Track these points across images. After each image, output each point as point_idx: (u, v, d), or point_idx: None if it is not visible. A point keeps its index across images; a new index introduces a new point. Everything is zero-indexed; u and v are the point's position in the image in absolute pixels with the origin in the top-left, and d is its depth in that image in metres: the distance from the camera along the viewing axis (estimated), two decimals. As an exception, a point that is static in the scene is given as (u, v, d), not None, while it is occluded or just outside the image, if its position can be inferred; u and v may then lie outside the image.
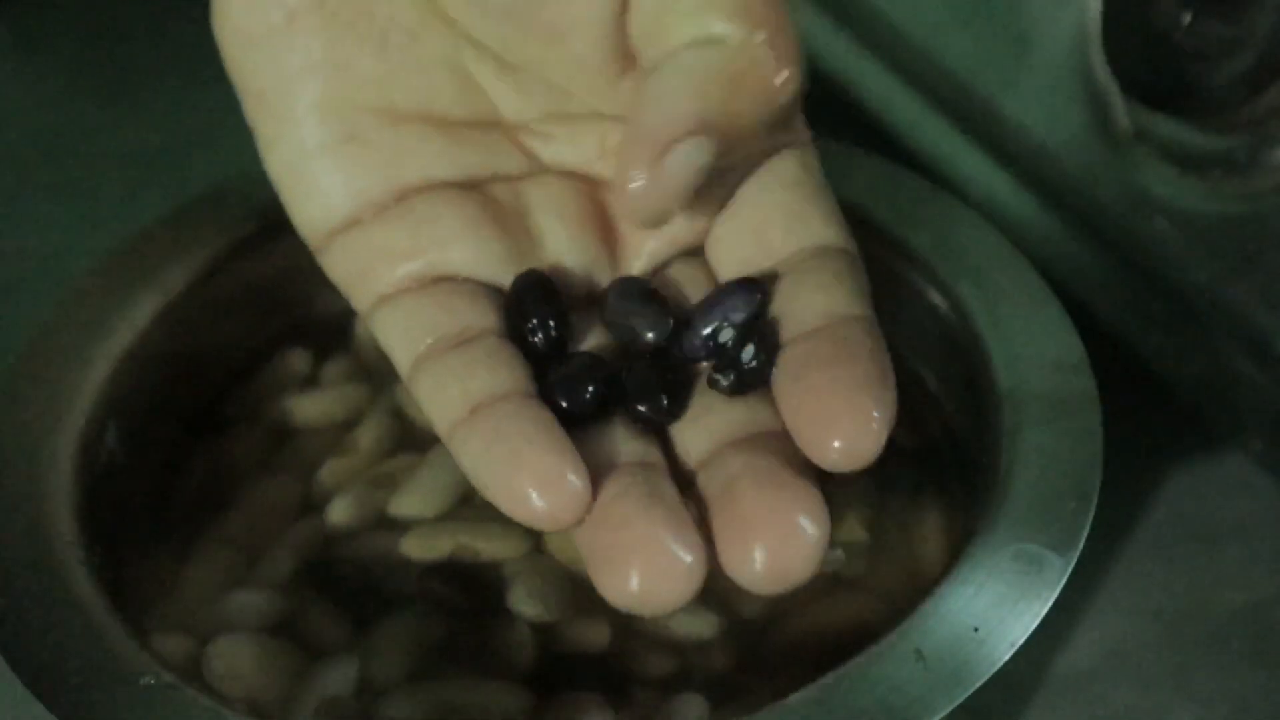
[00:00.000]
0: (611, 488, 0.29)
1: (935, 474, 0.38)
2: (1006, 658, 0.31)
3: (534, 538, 0.36)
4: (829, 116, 0.53)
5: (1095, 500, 0.33)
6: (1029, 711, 0.39)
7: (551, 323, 0.31)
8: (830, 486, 0.30)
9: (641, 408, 0.30)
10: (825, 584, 0.36)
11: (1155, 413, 0.45)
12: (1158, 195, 0.40)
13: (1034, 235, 0.44)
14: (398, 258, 0.32)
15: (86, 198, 0.55)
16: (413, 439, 0.39)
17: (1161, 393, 0.43)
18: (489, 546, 0.36)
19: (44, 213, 0.55)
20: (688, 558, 0.27)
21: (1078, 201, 0.42)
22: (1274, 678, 0.39)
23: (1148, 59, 0.39)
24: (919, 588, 0.34)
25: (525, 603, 0.35)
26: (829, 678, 0.30)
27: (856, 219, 0.40)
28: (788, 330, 0.30)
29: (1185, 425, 0.45)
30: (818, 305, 0.30)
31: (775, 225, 0.32)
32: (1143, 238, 0.41)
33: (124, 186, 0.55)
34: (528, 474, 0.28)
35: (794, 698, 0.30)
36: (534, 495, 0.28)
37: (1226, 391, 0.41)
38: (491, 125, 0.34)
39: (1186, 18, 0.38)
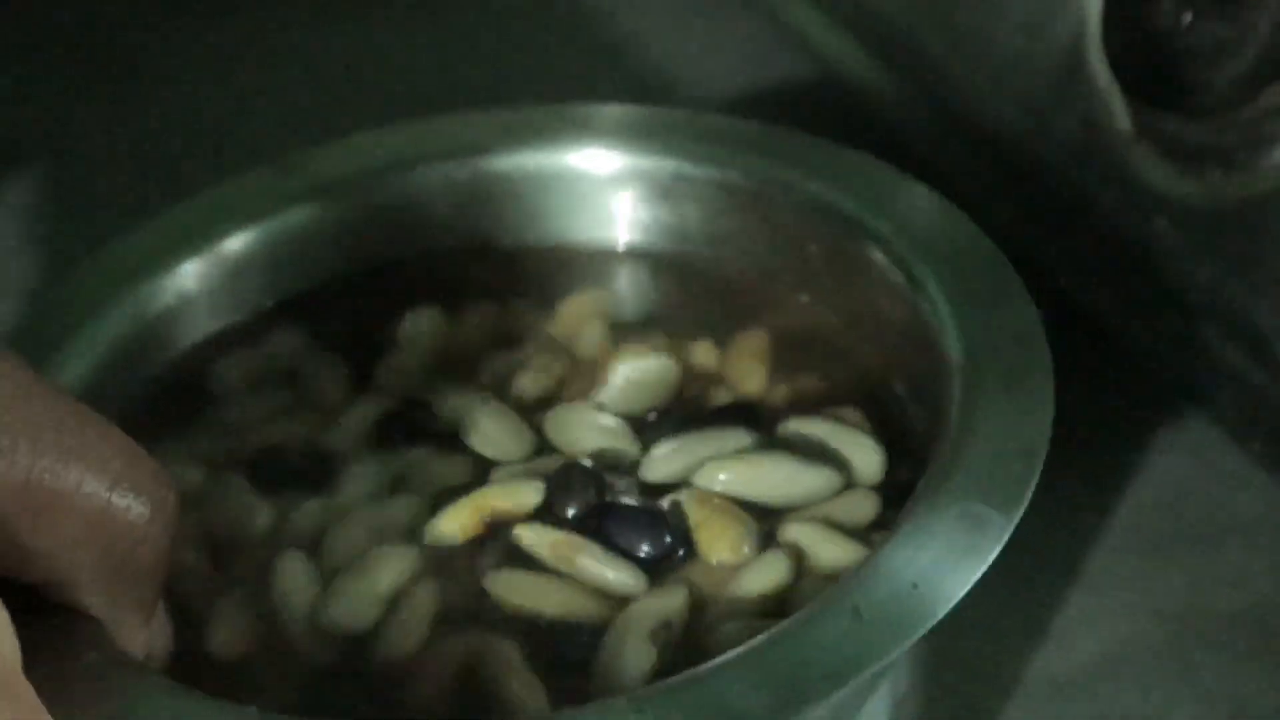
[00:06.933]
0: None
1: (889, 449, 0.38)
2: (943, 614, 0.30)
3: None
4: (827, 115, 0.53)
5: (1041, 461, 0.33)
6: (1029, 711, 0.39)
7: None
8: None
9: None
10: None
11: (1154, 412, 0.45)
12: (1158, 195, 0.40)
13: (1033, 235, 0.44)
14: None
15: (86, 198, 0.55)
16: None
17: (1161, 392, 0.43)
18: None
19: (42, 212, 0.55)
20: None
21: (1077, 201, 0.42)
22: (1274, 678, 0.39)
23: (1148, 59, 0.39)
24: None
25: None
26: (764, 635, 0.30)
27: (818, 204, 0.40)
28: None
29: (1184, 424, 0.45)
30: None
31: None
32: (1143, 237, 0.41)
33: (124, 187, 0.55)
34: None
35: (726, 655, 0.30)
36: None
37: (1226, 392, 0.41)
38: None
39: (1186, 18, 0.38)
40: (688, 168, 0.43)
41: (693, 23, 0.61)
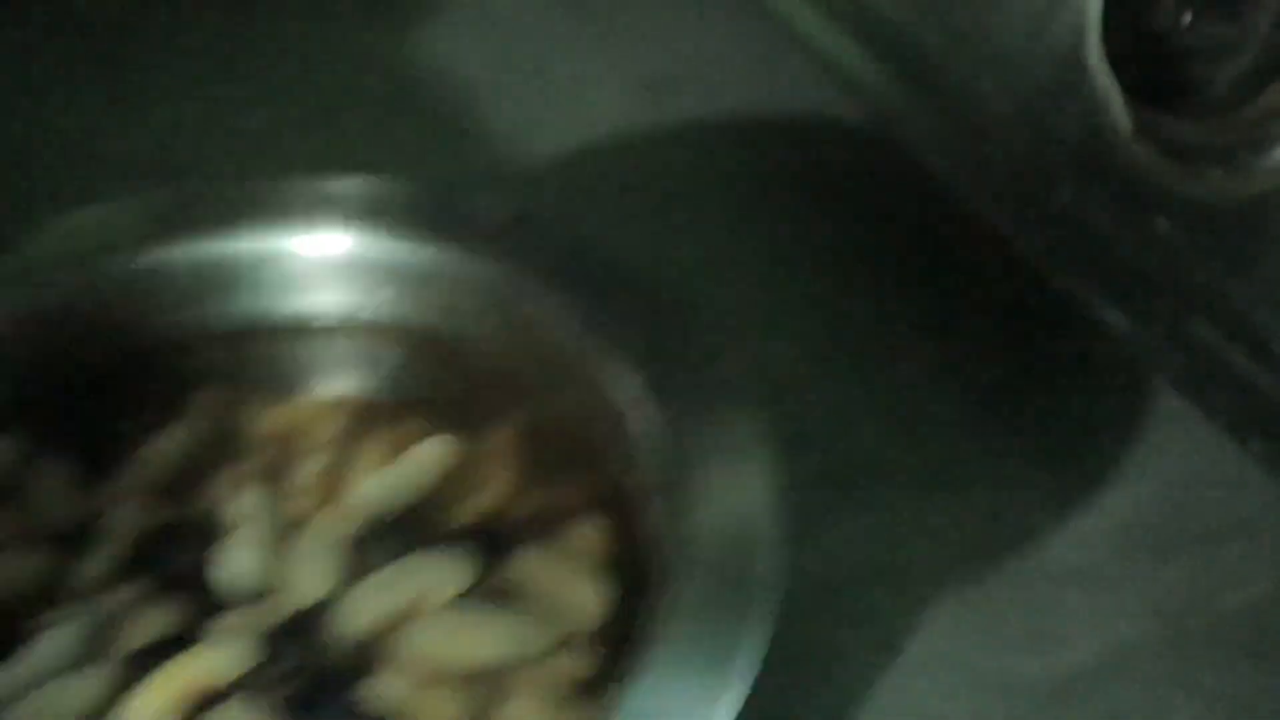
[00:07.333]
0: None
1: (624, 572, 0.36)
2: None
3: None
4: (826, 115, 0.53)
5: (746, 688, 0.30)
6: (1029, 712, 0.39)
7: None
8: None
9: None
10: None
11: (1154, 412, 0.45)
12: (1158, 195, 0.40)
13: (1032, 235, 0.44)
14: None
15: (85, 198, 0.55)
16: None
17: (1160, 391, 0.43)
18: None
19: (40, 214, 0.55)
20: None
21: (1077, 201, 0.42)
22: (1274, 678, 0.39)
23: (1148, 59, 0.39)
24: None
25: None
26: None
27: (554, 301, 0.38)
28: None
29: (1184, 424, 0.45)
30: None
31: None
32: (1143, 237, 0.41)
33: (123, 187, 0.55)
34: None
35: None
36: None
37: (1225, 391, 0.41)
38: None
39: (1186, 18, 0.38)
40: (421, 251, 0.40)
41: (693, 23, 0.61)
